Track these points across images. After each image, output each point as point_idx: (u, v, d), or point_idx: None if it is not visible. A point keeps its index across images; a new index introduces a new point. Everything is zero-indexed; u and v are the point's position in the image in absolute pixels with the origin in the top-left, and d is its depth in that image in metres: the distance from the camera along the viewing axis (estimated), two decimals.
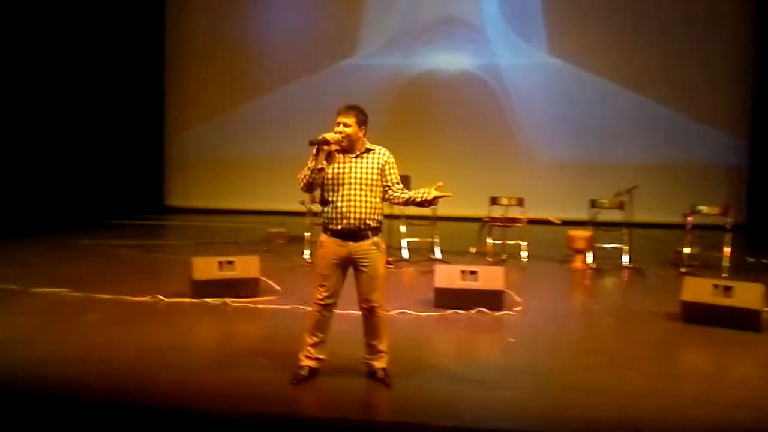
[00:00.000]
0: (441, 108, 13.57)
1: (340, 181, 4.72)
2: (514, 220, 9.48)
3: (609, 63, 13.02)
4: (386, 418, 4.67)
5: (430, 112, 13.59)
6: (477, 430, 4.37)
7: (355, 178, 4.74)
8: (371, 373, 4.91)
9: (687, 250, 8.88)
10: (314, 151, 4.69)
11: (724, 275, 8.07)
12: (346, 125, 4.78)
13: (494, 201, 9.79)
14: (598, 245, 9.22)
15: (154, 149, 14.28)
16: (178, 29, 14.27)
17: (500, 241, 9.47)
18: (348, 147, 4.77)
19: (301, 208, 9.38)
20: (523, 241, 9.41)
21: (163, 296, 7.02)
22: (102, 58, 13.16)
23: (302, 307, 6.74)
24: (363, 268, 4.77)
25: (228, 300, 6.90)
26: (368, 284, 4.81)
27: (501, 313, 6.76)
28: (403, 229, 9.47)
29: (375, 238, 4.80)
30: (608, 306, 7.81)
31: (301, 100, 13.80)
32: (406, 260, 9.22)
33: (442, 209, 9.65)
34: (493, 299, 6.81)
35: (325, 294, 4.81)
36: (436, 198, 4.90)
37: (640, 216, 9.38)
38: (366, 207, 4.74)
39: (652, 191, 10.34)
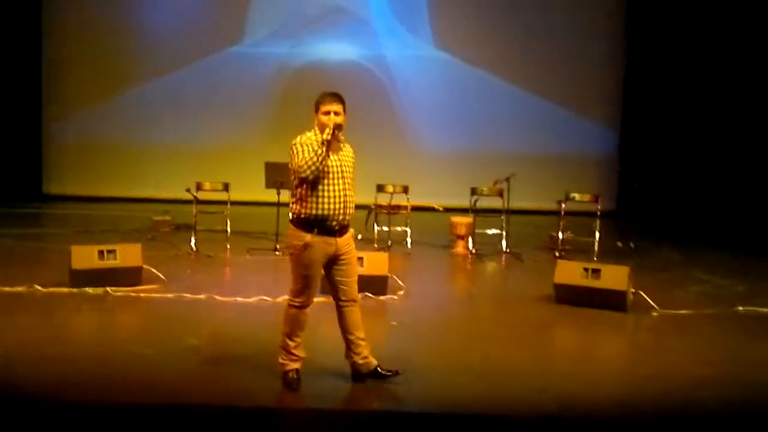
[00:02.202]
0: None
1: (335, 174, 4.51)
2: (399, 207, 9.70)
3: (490, 56, 13.44)
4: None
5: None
6: (360, 412, 4.51)
7: (344, 170, 4.58)
8: (361, 372, 4.73)
9: (561, 236, 9.36)
10: (329, 135, 4.45)
11: (594, 259, 8.55)
12: (337, 113, 4.57)
13: (380, 189, 9.96)
14: (479, 231, 9.55)
15: (32, 135, 13.63)
16: (57, 12, 13.64)
17: (386, 228, 9.66)
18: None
19: (187, 196, 9.27)
20: (408, 227, 9.65)
21: (40, 286, 6.81)
22: None
23: (187, 295, 6.73)
24: (344, 261, 4.62)
25: (109, 289, 6.77)
26: (351, 276, 4.68)
27: (385, 297, 6.94)
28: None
29: (351, 229, 4.72)
30: (487, 290, 8.14)
31: (187, 86, 13.55)
32: None
33: None
34: (377, 284, 6.97)
35: (312, 297, 4.63)
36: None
37: (517, 203, 9.81)
38: (353, 200, 4.63)
39: (529, 179, 10.79)
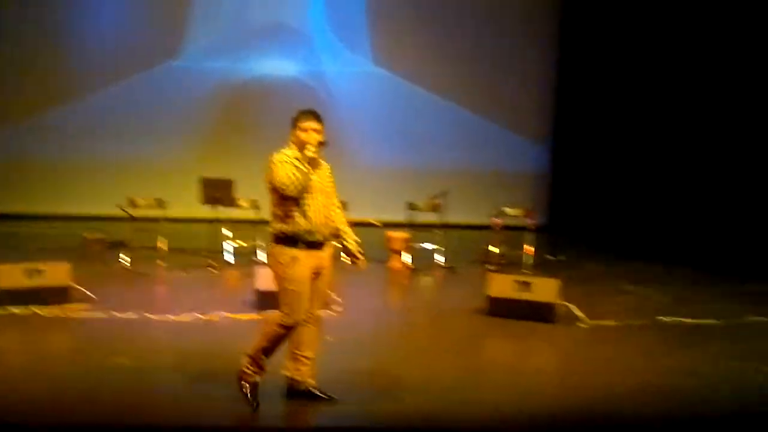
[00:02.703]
0: (266, 113, 13.58)
1: (316, 190, 4.59)
2: None
3: (427, 73, 13.63)
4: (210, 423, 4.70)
5: (255, 117, 13.58)
6: (296, 430, 4.52)
7: (322, 187, 4.66)
8: (296, 388, 4.72)
9: (495, 250, 9.53)
10: (311, 152, 4.55)
11: (525, 272, 8.73)
12: (318, 131, 4.64)
13: None
14: (415, 245, 9.67)
15: None
16: None
17: None
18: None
19: (122, 213, 9.14)
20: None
21: None
22: None
23: (117, 313, 6.62)
24: (323, 276, 4.66)
25: (36, 309, 6.62)
26: (323, 292, 4.72)
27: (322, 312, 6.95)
28: (226, 232, 9.44)
29: (333, 244, 4.76)
30: (423, 303, 8.25)
31: (123, 101, 13.30)
32: (229, 263, 9.21)
33: (266, 213, 9.73)
34: None
35: (303, 313, 4.54)
36: (349, 253, 4.79)
37: (453, 218, 9.95)
38: (330, 215, 4.69)
39: (465, 194, 10.97)
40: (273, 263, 4.61)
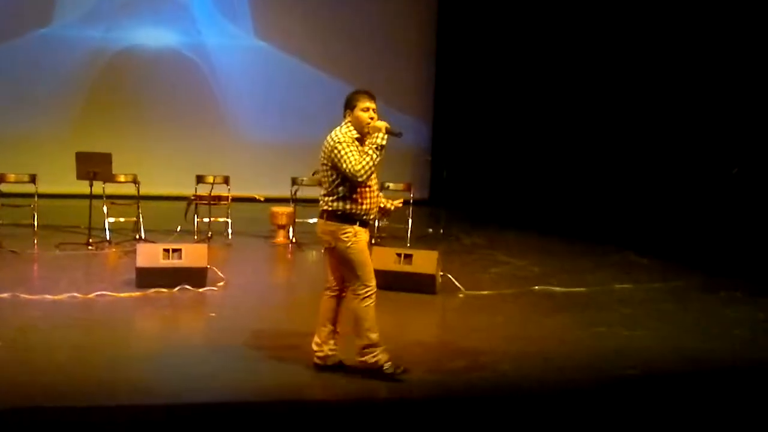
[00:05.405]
0: (145, 85, 13.25)
1: (373, 174, 4.67)
2: (219, 198, 9.65)
3: (309, 48, 13.64)
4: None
5: (133, 88, 13.20)
6: (176, 406, 4.50)
7: (377, 169, 4.71)
8: (326, 363, 4.84)
9: (377, 224, 9.71)
10: (384, 140, 4.58)
11: (407, 245, 8.97)
12: (374, 110, 4.68)
13: (200, 179, 9.85)
14: (299, 221, 9.71)
15: None
16: None
17: (206, 219, 9.58)
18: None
19: None
20: (229, 218, 9.62)
21: None
22: None
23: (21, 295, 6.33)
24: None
25: None
26: None
27: (204, 289, 6.92)
28: (105, 209, 9.16)
29: None
30: (307, 278, 8.29)
31: None
32: (108, 241, 8.96)
33: (146, 188, 9.55)
34: (196, 276, 6.94)
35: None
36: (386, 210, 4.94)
37: None
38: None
39: None
40: (332, 239, 4.66)
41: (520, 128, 12.70)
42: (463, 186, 12.57)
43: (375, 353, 4.73)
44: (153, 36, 13.36)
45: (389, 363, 4.76)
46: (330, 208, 4.67)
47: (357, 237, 4.64)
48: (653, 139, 10.65)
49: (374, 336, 4.73)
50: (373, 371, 4.75)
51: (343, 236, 4.63)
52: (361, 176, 4.53)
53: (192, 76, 13.40)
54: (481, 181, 12.97)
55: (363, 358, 4.76)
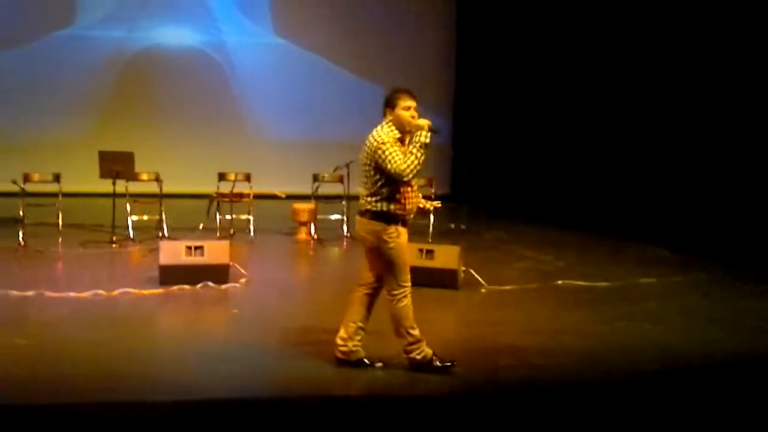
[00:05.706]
0: (166, 84, 13.32)
1: None
2: (241, 195, 9.68)
3: (329, 44, 13.62)
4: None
5: (155, 88, 13.28)
6: (200, 402, 4.52)
7: None
8: (349, 360, 4.84)
9: None
10: (428, 138, 4.58)
11: (428, 240, 8.94)
12: (415, 108, 4.68)
13: (222, 177, 9.90)
14: (321, 217, 9.73)
15: None
16: None
17: (228, 216, 9.62)
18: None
19: (14, 188, 8.80)
20: (251, 215, 9.66)
21: None
22: None
23: (14, 292, 6.41)
24: None
25: None
26: None
27: (227, 286, 6.95)
28: (128, 207, 9.24)
29: None
30: (329, 274, 8.34)
31: (13, 72, 12.72)
32: (131, 239, 9.03)
33: (168, 186, 9.63)
34: (218, 273, 6.97)
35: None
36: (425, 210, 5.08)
37: (358, 189, 10.03)
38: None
39: None
40: (375, 239, 4.69)
41: (540, 123, 12.61)
42: (485, 181, 12.51)
43: (420, 349, 4.76)
44: (173, 35, 13.41)
45: (432, 359, 4.77)
46: (374, 209, 4.68)
47: (400, 237, 4.68)
48: (675, 132, 10.53)
49: (416, 332, 4.76)
50: (422, 366, 4.76)
51: (386, 236, 4.65)
52: (407, 176, 4.56)
53: (212, 74, 13.44)
54: (503, 176, 12.90)
55: (410, 356, 4.78)
